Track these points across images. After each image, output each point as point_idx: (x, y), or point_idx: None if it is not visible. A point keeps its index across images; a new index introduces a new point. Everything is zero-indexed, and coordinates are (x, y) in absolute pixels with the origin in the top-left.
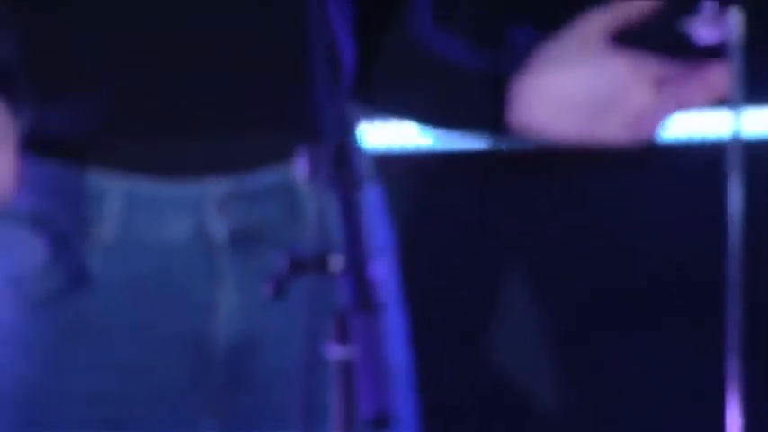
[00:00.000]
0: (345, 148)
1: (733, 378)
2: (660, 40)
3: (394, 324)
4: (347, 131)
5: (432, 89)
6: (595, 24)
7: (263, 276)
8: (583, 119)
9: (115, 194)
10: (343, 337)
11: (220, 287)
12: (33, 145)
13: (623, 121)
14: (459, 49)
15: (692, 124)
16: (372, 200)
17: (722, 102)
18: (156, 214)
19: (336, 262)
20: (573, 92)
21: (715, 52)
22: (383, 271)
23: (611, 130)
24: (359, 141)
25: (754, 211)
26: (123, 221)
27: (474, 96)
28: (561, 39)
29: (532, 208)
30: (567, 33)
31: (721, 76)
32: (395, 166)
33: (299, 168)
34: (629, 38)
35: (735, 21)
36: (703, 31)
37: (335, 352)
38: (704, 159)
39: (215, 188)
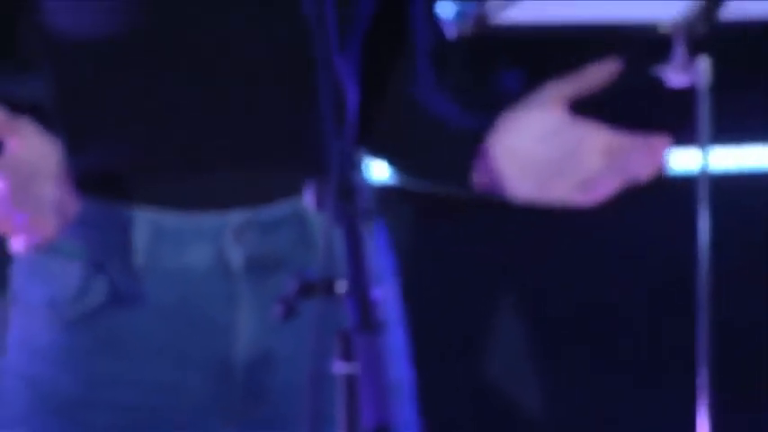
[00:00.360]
0: (349, 182)
1: (702, 387)
2: (635, 84)
3: (397, 342)
4: (351, 167)
5: (414, 142)
6: (556, 93)
7: (277, 299)
8: (539, 180)
9: (143, 225)
10: (347, 354)
11: (238, 309)
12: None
13: (574, 184)
14: (449, 106)
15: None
16: (376, 229)
17: (692, 141)
18: (180, 243)
19: (341, 286)
20: (531, 155)
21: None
22: (385, 294)
23: (564, 192)
24: (363, 176)
25: (721, 238)
26: (151, 250)
27: (449, 154)
28: (526, 104)
29: (520, 237)
30: (532, 100)
31: (663, 151)
32: (396, 198)
33: (308, 200)
34: (610, 84)
35: (703, 67)
36: (675, 76)
37: (340, 367)
38: (676, 192)
39: (232, 219)
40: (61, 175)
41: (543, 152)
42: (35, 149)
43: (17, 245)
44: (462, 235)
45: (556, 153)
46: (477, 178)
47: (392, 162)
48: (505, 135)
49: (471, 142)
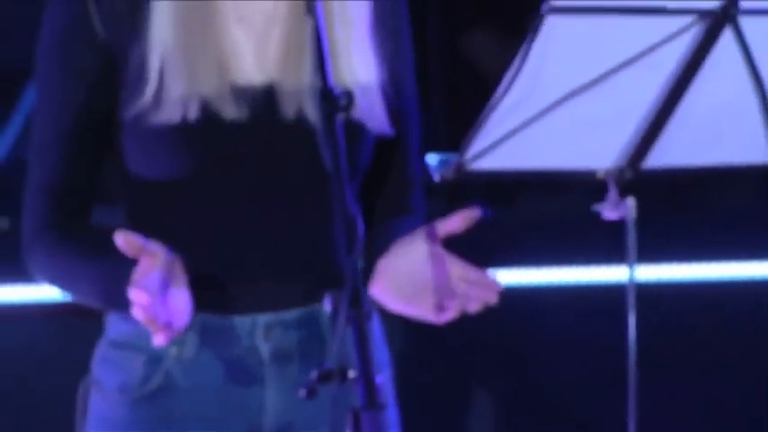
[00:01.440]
0: (358, 292)
1: None
2: (579, 217)
3: (391, 419)
4: (358, 280)
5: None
6: (436, 229)
7: (297, 382)
8: (406, 297)
9: (194, 326)
10: (357, 427)
11: (266, 389)
12: None
13: (431, 303)
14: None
15: (598, 273)
16: (375, 328)
17: (622, 259)
18: (222, 338)
19: (352, 373)
20: (403, 276)
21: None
22: (384, 380)
23: (424, 310)
24: (365, 284)
25: (645, 340)
26: (199, 344)
27: (366, 265)
28: (415, 234)
29: (491, 337)
30: (420, 231)
31: (494, 289)
32: None
33: (325, 307)
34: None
35: (630, 204)
36: (609, 212)
37: None
38: (608, 300)
39: (263, 320)
40: (183, 281)
41: (411, 275)
42: (162, 264)
43: (159, 340)
44: (441, 335)
45: (419, 277)
46: (371, 289)
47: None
48: (390, 257)
49: (375, 260)
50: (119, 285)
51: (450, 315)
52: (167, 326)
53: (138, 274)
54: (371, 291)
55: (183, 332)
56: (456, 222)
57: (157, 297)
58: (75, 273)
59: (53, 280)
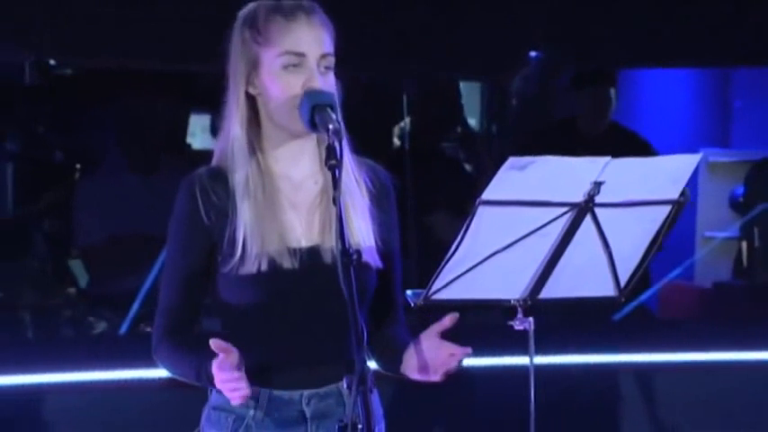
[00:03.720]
0: (365, 375)
1: None
2: (500, 326)
3: None
4: (364, 368)
5: (381, 351)
6: (433, 330)
7: None
8: (421, 369)
9: (263, 395)
10: None
11: None
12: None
13: (434, 370)
14: (405, 335)
15: (511, 361)
16: (375, 399)
17: (526, 352)
18: (280, 406)
19: (360, 426)
20: (421, 357)
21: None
22: (380, 429)
23: (429, 374)
24: (369, 368)
25: (544, 408)
26: (266, 409)
27: (392, 357)
28: (422, 335)
29: (444, 400)
30: (425, 333)
31: (459, 357)
32: (387, 380)
33: (343, 384)
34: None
35: (531, 321)
36: (518, 324)
37: None
38: (517, 377)
39: (306, 394)
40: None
41: (426, 356)
42: (233, 357)
43: (235, 400)
44: (419, 398)
45: (430, 356)
46: (402, 369)
47: (373, 359)
48: (410, 350)
49: (401, 352)
50: (207, 371)
51: (439, 377)
52: (238, 392)
53: (221, 361)
54: (404, 369)
55: (246, 398)
56: (444, 324)
57: (231, 375)
58: (184, 365)
59: (171, 370)
